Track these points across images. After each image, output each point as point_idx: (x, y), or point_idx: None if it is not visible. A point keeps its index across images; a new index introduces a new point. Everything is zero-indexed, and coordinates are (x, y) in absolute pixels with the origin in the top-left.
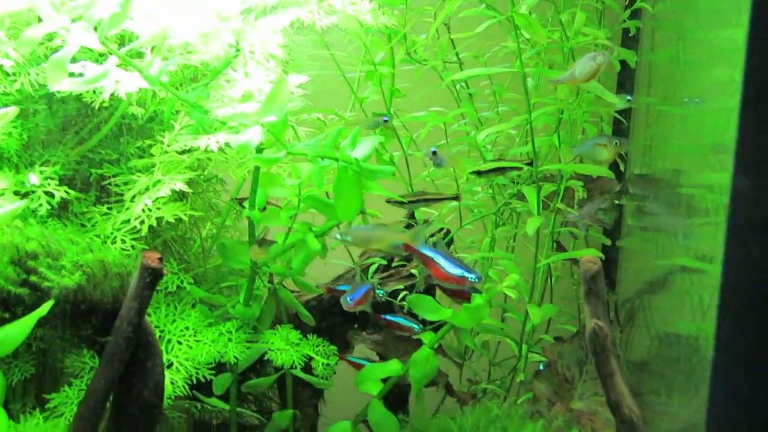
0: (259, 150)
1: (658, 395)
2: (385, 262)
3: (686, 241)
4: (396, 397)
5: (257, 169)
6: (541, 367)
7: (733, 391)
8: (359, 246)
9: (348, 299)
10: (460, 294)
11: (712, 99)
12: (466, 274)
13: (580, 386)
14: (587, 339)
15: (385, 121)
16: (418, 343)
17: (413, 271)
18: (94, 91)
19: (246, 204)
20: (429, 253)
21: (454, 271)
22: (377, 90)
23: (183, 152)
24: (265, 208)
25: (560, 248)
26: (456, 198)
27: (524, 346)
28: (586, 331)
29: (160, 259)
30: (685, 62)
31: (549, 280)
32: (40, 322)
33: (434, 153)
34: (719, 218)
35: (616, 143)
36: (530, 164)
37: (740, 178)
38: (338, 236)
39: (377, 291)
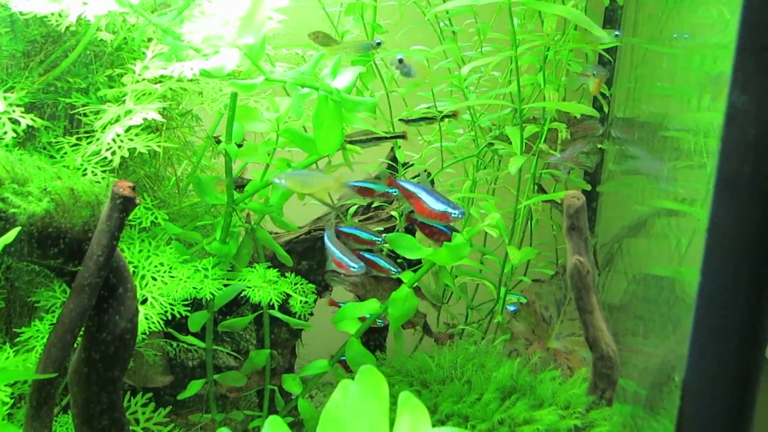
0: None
1: (635, 336)
2: (364, 203)
3: (668, 185)
4: (374, 339)
5: (234, 101)
6: (511, 308)
7: (716, 323)
8: (295, 190)
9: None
10: (440, 234)
11: (702, 35)
12: (450, 210)
13: (557, 326)
14: (568, 274)
15: (378, 43)
16: (398, 285)
17: (393, 213)
18: (60, 14)
19: (222, 140)
20: (412, 188)
21: (437, 206)
22: (358, 25)
23: (156, 82)
24: (242, 145)
25: (541, 191)
26: (402, 136)
27: (503, 288)
28: (567, 267)
29: (133, 188)
30: None
31: (529, 223)
32: (7, 251)
33: (400, 61)
34: (704, 161)
35: (595, 73)
36: (452, 116)
37: (731, 125)
38: (276, 180)
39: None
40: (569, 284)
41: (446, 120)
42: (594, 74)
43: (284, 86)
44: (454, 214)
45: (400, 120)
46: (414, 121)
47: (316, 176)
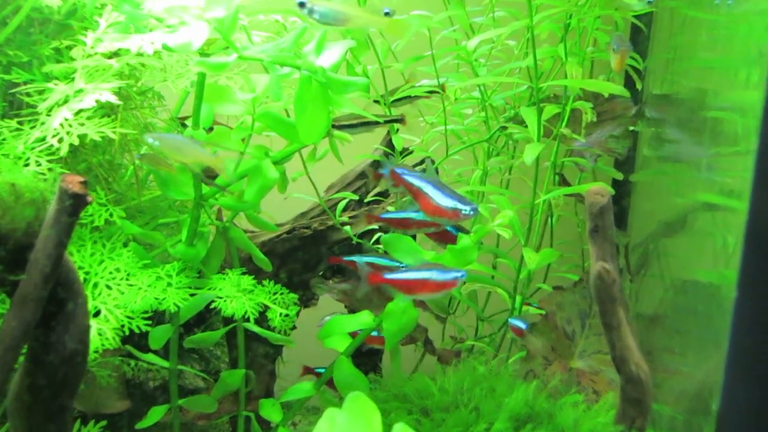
0: (205, 55)
1: (671, 353)
2: (356, 198)
3: (711, 174)
4: (367, 356)
5: (202, 79)
6: (516, 323)
7: (754, 346)
8: (166, 155)
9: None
10: (445, 236)
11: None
12: (460, 206)
13: (581, 342)
14: (591, 284)
15: (386, 13)
16: (390, 296)
17: (390, 208)
18: None
19: (189, 123)
20: (416, 182)
21: (446, 203)
22: None
23: (111, 56)
24: (212, 128)
25: (563, 183)
26: (399, 120)
27: (518, 297)
28: (590, 276)
29: (84, 183)
30: None
31: (549, 220)
32: None
33: (301, 5)
34: (750, 146)
35: (615, 48)
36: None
37: None
38: (149, 138)
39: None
40: (592, 295)
41: (448, 97)
42: (615, 48)
43: (262, 63)
44: (465, 210)
45: (392, 102)
46: (399, 101)
47: (194, 146)
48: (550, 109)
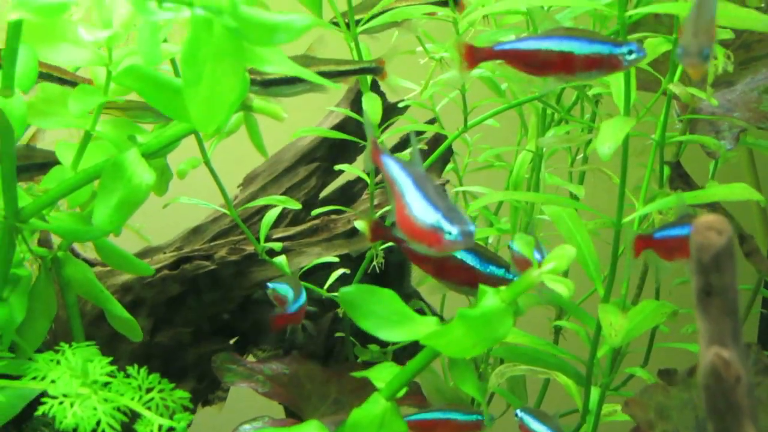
0: None
1: None
2: (297, 206)
3: None
4: None
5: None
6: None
7: None
8: None
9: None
10: (460, 275)
11: None
12: (444, 225)
13: None
14: (701, 383)
15: None
16: (364, 385)
17: (358, 223)
18: None
19: None
20: (396, 174)
21: (426, 215)
22: None
23: None
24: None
25: (680, 179)
26: (374, 70)
27: (595, 391)
28: (700, 367)
29: None
30: None
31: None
32: None
33: None
34: None
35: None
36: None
37: None
38: None
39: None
40: (703, 400)
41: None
42: (681, 54)
43: None
44: (451, 234)
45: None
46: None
47: None
48: (654, 46)
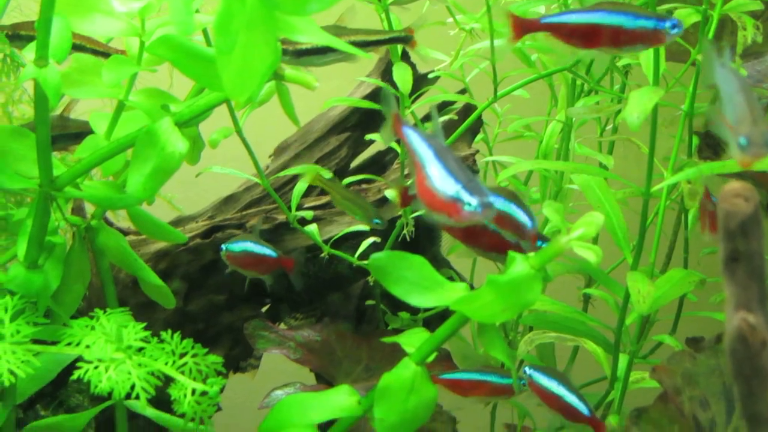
0: None
1: None
2: (328, 175)
3: None
4: None
5: None
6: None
7: None
8: None
9: None
10: (489, 240)
11: None
12: (464, 196)
13: None
14: (727, 347)
15: None
16: (394, 351)
17: (388, 192)
18: None
19: (23, 49)
20: (418, 145)
21: (445, 186)
22: None
23: None
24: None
25: (708, 150)
26: (405, 39)
27: (623, 358)
28: (726, 333)
29: None
30: None
31: (682, 217)
32: None
33: None
34: None
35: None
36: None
37: None
38: None
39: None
40: (728, 368)
41: None
42: (743, 145)
43: None
44: (470, 205)
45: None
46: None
47: None
48: (685, 16)
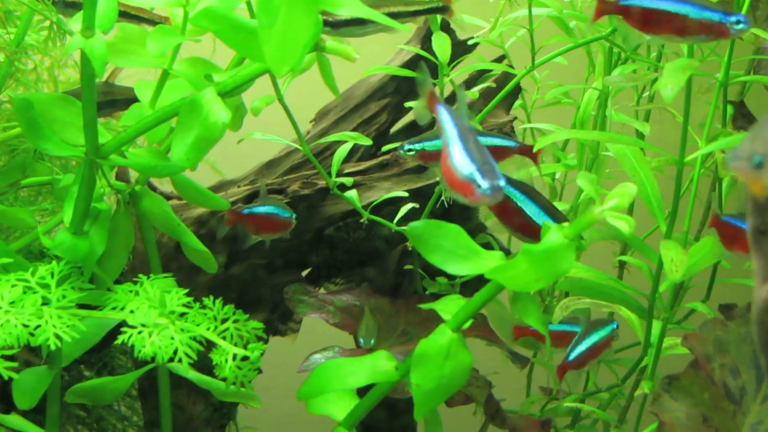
0: None
1: None
2: (368, 141)
3: None
4: (390, 422)
5: None
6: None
7: None
8: None
9: None
10: (517, 220)
11: None
12: (477, 178)
13: (755, 408)
14: (753, 318)
15: None
16: (431, 317)
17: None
18: None
19: (70, 18)
20: (446, 124)
21: (463, 166)
22: None
23: None
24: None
25: (744, 120)
26: (442, 9)
27: (656, 325)
28: (753, 305)
29: None
30: None
31: (717, 186)
32: None
33: None
34: None
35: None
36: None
37: None
38: None
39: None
40: (755, 338)
41: None
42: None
43: None
44: (482, 187)
45: None
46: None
47: None
48: None
